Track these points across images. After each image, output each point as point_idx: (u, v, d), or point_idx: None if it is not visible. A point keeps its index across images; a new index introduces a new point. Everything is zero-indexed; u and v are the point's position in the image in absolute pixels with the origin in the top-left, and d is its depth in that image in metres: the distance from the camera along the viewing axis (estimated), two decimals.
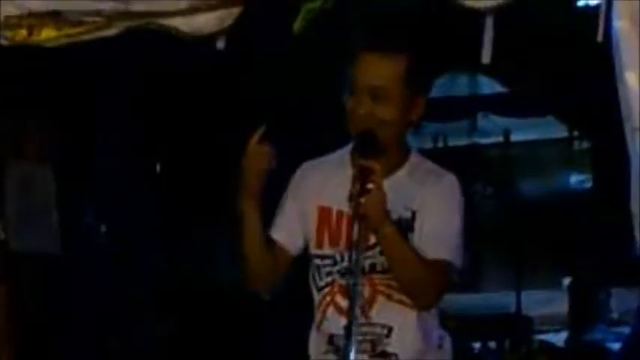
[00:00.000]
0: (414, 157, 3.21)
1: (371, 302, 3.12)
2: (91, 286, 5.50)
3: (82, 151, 5.53)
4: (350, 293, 2.95)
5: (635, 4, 3.12)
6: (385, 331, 3.13)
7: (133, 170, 6.05)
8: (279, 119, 6.88)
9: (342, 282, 3.09)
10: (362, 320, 3.08)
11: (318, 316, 3.21)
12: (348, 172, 3.12)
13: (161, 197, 6.36)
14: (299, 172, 3.30)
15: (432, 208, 3.11)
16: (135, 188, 6.08)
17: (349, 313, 2.91)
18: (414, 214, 3.10)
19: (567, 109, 8.11)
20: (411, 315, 3.14)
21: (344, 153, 3.24)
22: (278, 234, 3.27)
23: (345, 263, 3.11)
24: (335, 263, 3.16)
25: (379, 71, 3.07)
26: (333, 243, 3.17)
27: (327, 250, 3.18)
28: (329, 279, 3.18)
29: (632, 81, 3.14)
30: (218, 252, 7.07)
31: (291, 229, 3.24)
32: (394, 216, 3.01)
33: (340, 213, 3.13)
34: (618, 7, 3.13)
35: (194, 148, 6.54)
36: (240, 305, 6.99)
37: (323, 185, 3.21)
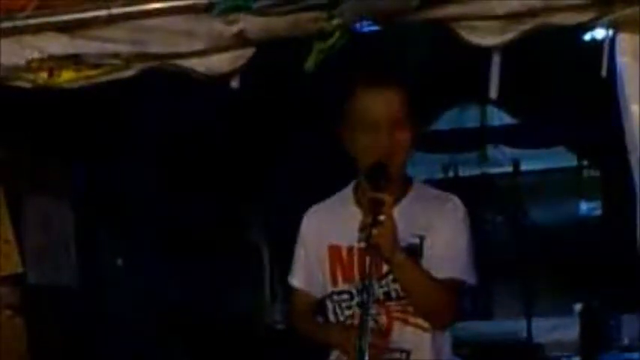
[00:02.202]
0: (417, 185, 3.32)
1: (388, 329, 3.21)
2: (108, 320, 5.54)
3: (100, 187, 5.58)
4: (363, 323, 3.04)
5: (637, 40, 3.19)
6: (404, 356, 3.21)
7: (148, 205, 6.11)
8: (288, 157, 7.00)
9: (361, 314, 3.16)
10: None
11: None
12: (353, 209, 3.23)
13: (177, 231, 6.41)
14: (305, 219, 3.41)
15: (439, 231, 3.20)
16: (151, 222, 6.14)
17: (361, 338, 2.99)
18: (422, 239, 3.19)
19: (576, 139, 8.15)
20: (426, 338, 3.22)
21: (346, 192, 3.35)
22: (298, 281, 3.40)
23: (363, 295, 3.18)
24: (352, 297, 3.24)
25: (392, 103, 3.18)
26: (347, 278, 3.25)
27: (342, 286, 3.26)
28: (349, 312, 3.26)
29: (636, 114, 3.22)
30: (232, 285, 7.13)
31: (309, 274, 3.36)
32: (403, 243, 3.08)
33: (350, 249, 3.22)
34: (621, 43, 3.21)
35: (212, 183, 6.60)
36: (254, 335, 7.04)
37: (330, 226, 3.31)
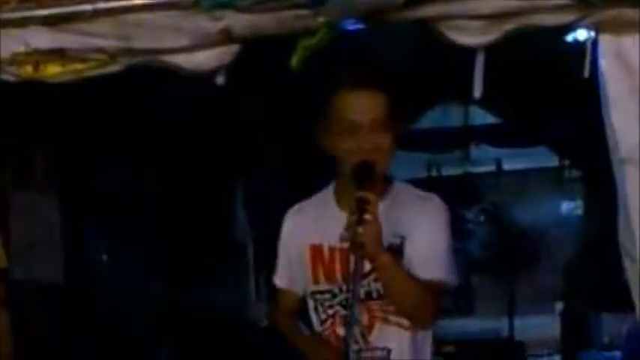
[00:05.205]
0: (397, 185, 3.32)
1: (369, 328, 3.23)
2: (93, 315, 5.54)
3: (86, 181, 5.59)
4: (348, 322, 3.06)
5: (619, 41, 3.22)
6: (385, 354, 3.24)
7: (135, 200, 6.12)
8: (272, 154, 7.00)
9: (344, 313, 3.19)
10: (363, 346, 3.19)
11: None
12: (334, 209, 3.25)
13: (163, 227, 6.42)
14: (287, 219, 3.42)
15: (420, 231, 3.21)
16: (137, 218, 6.14)
17: (345, 339, 3.02)
18: (402, 239, 3.20)
19: (558, 139, 8.19)
20: (407, 336, 3.25)
21: (327, 192, 3.35)
22: (281, 281, 3.43)
23: (344, 295, 3.20)
24: (334, 296, 3.26)
25: (373, 105, 3.17)
26: (329, 278, 3.27)
27: (323, 286, 3.28)
28: (331, 311, 3.28)
29: (617, 114, 3.25)
30: (217, 283, 7.12)
31: (291, 274, 3.39)
32: (384, 243, 3.09)
33: (332, 249, 3.24)
34: (603, 44, 3.24)
35: (196, 180, 6.60)
36: (238, 333, 7.05)
37: (311, 226, 3.32)
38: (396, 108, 3.22)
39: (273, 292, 3.53)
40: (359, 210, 2.99)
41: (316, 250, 3.29)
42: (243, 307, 7.77)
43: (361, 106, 3.17)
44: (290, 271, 3.40)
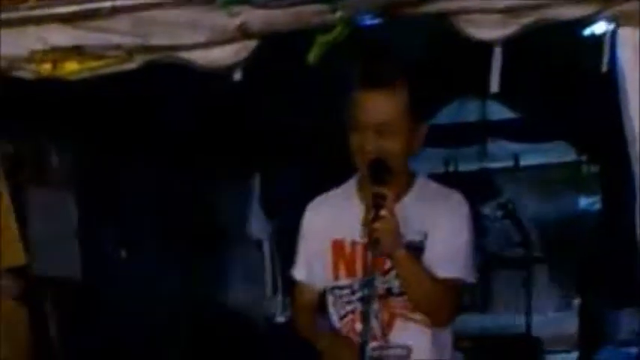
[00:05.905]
0: (420, 180, 3.29)
1: (390, 325, 3.22)
2: (111, 311, 5.56)
3: (104, 177, 5.60)
4: (365, 317, 3.05)
5: (638, 34, 3.21)
6: (405, 352, 3.22)
7: (152, 197, 6.13)
8: (289, 149, 7.01)
9: (363, 309, 3.14)
10: (382, 343, 3.18)
11: None
12: (356, 203, 3.22)
13: (179, 224, 6.43)
14: (308, 212, 3.38)
15: (442, 228, 3.18)
16: (153, 214, 6.15)
17: (362, 334, 3.01)
18: (424, 236, 3.18)
19: (576, 133, 8.16)
20: (428, 334, 3.22)
21: (350, 185, 3.32)
22: (300, 274, 3.40)
23: (364, 290, 3.19)
24: (353, 292, 3.24)
25: (381, 107, 3.14)
26: (349, 273, 3.25)
27: (343, 281, 3.26)
28: (350, 307, 3.26)
29: (635, 108, 3.23)
30: (233, 278, 7.15)
31: (311, 267, 3.35)
32: (405, 240, 3.08)
33: (353, 244, 3.21)
34: (621, 37, 3.23)
35: (213, 176, 6.61)
36: (254, 328, 7.06)
37: (333, 220, 3.29)
38: (416, 104, 3.19)
39: (290, 287, 3.52)
40: (375, 206, 2.99)
41: (338, 245, 3.26)
42: (259, 302, 7.78)
43: (369, 107, 3.15)
44: (309, 265, 3.38)
